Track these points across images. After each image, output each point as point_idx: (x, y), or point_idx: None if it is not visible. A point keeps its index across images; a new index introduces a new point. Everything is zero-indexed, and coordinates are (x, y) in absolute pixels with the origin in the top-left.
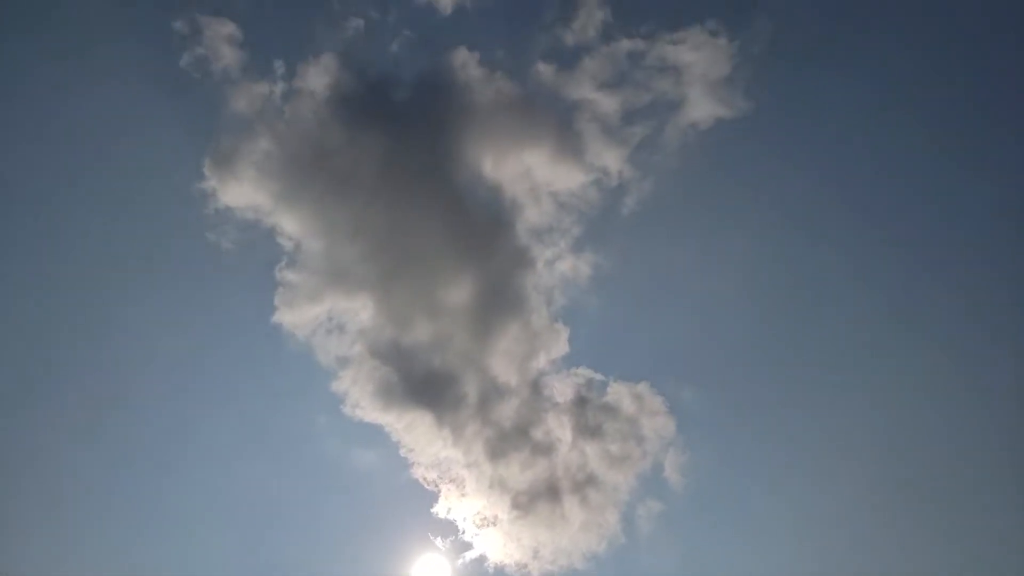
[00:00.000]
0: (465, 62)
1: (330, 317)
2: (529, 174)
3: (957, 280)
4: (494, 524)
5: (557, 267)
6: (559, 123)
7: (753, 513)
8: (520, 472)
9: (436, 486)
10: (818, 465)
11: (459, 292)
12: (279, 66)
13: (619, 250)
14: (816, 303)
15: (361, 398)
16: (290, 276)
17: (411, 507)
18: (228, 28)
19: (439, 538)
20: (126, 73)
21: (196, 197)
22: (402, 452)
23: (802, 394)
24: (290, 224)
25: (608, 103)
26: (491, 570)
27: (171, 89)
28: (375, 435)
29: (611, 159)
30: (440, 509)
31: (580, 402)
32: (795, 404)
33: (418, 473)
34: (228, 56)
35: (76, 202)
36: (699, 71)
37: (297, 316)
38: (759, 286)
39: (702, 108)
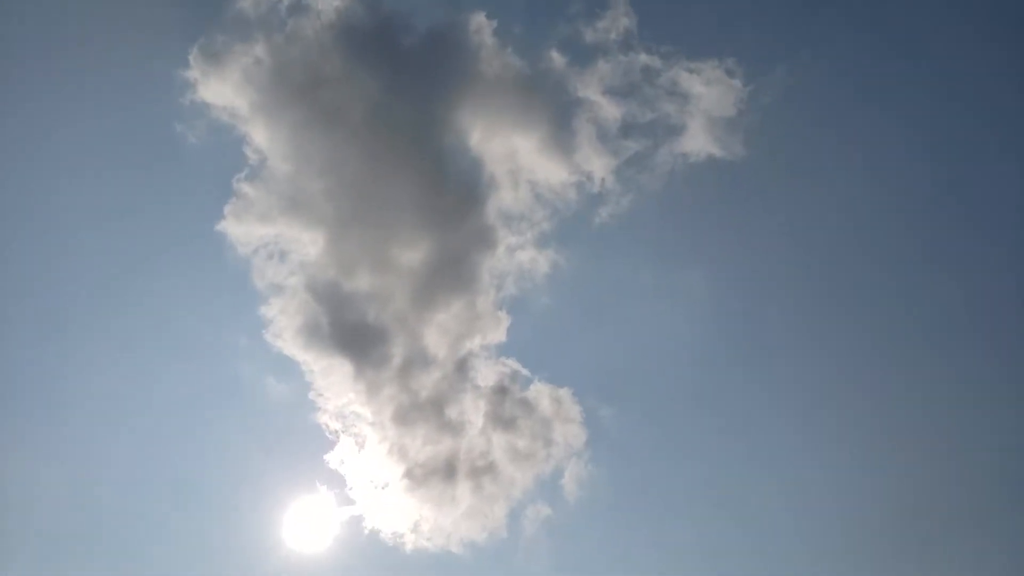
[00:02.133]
0: (480, 27)
1: (276, 242)
2: (514, 157)
3: (910, 361)
4: (383, 488)
5: (516, 256)
6: (557, 116)
7: (637, 543)
8: (422, 445)
9: (336, 436)
10: (716, 521)
11: (413, 253)
12: None
13: (581, 256)
14: (760, 356)
15: (285, 329)
16: (247, 189)
17: (306, 449)
18: None
19: (325, 487)
20: None
21: (175, 84)
22: (311, 394)
23: (726, 443)
24: (261, 138)
25: (610, 110)
26: (366, 532)
27: None
28: (290, 369)
29: (598, 166)
30: (333, 459)
31: (500, 391)
32: (715, 451)
33: (322, 419)
34: None
35: (50, 58)
36: (706, 105)
37: (243, 230)
38: (707, 327)
39: (698, 141)
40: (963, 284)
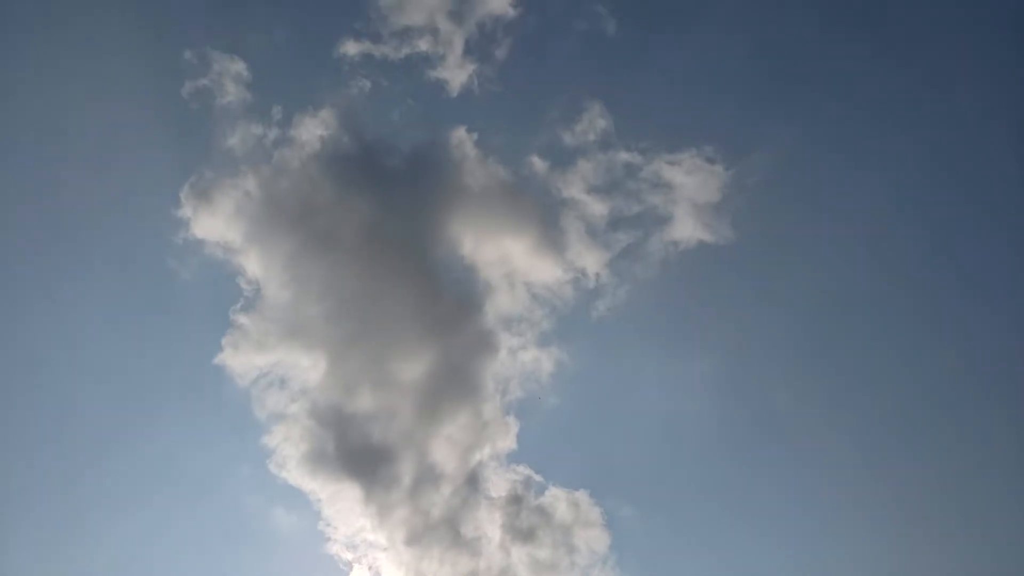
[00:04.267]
0: (462, 141)
1: (275, 369)
2: (507, 261)
3: (930, 450)
4: None
5: (519, 358)
6: (545, 217)
7: None
8: (440, 566)
9: (349, 566)
10: None
11: (415, 367)
12: (277, 111)
13: (584, 352)
14: (773, 440)
15: (289, 458)
16: (244, 320)
17: None
18: (237, 66)
19: None
20: (127, 91)
21: (168, 224)
22: (320, 525)
23: (748, 531)
24: (255, 268)
25: (597, 207)
26: None
27: (167, 115)
28: (297, 500)
29: (591, 261)
30: None
31: (514, 500)
32: (740, 541)
33: (333, 549)
34: (231, 93)
35: (49, 205)
36: (689, 193)
37: (242, 361)
38: (716, 413)
39: (687, 228)
40: (970, 354)
